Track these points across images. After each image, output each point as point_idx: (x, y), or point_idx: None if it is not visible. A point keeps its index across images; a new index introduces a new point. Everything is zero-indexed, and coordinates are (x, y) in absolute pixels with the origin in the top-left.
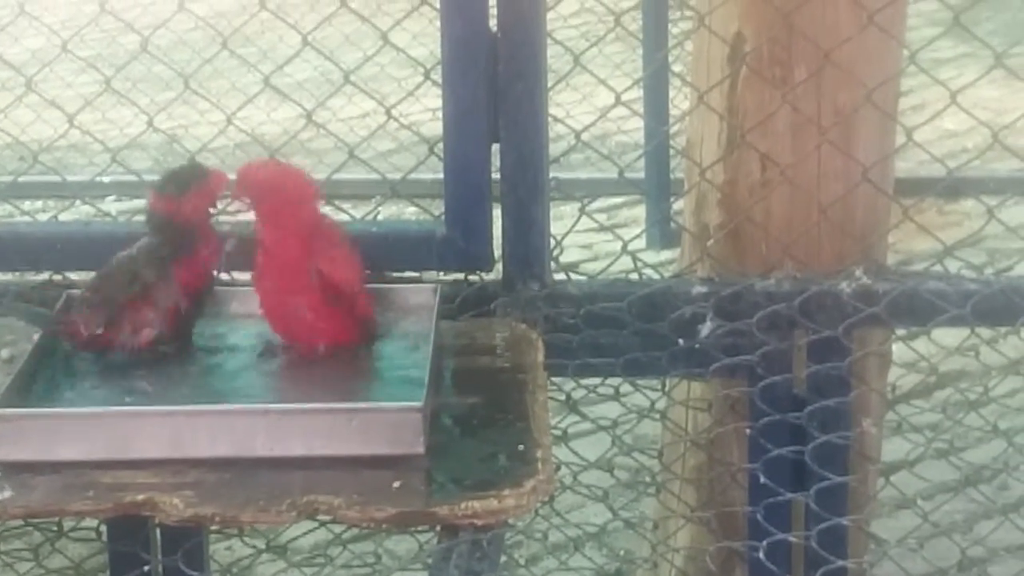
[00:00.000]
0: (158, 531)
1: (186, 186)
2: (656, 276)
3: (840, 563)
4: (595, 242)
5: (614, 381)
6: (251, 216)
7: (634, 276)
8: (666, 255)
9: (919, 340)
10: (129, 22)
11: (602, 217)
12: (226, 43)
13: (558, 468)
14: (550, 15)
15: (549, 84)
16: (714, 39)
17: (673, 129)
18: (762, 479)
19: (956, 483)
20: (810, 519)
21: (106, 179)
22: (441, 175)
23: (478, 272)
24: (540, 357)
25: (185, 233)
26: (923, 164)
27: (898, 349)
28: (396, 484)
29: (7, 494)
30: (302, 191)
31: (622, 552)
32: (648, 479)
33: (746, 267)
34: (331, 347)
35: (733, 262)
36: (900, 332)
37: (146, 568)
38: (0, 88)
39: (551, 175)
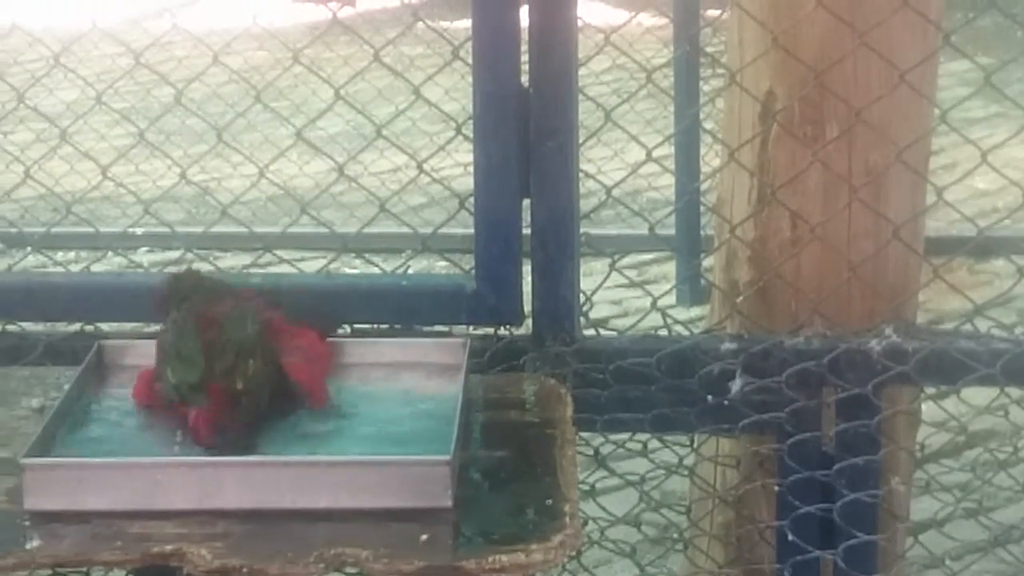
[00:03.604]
0: None
1: None
2: (685, 332)
3: None
4: (625, 298)
5: (642, 437)
6: None
7: (663, 332)
8: (696, 312)
9: (948, 399)
10: (163, 75)
11: (632, 273)
12: (259, 96)
13: (586, 523)
14: (582, 71)
15: (580, 140)
16: (746, 97)
17: (704, 186)
18: (790, 537)
19: (985, 543)
20: None
21: (139, 231)
22: (472, 230)
23: (508, 327)
24: (569, 412)
25: None
26: (954, 223)
27: (927, 408)
28: (424, 537)
29: (35, 543)
30: None
31: None
32: (676, 535)
33: (775, 324)
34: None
35: (762, 319)
36: (929, 391)
37: None
38: (35, 140)
39: (581, 231)
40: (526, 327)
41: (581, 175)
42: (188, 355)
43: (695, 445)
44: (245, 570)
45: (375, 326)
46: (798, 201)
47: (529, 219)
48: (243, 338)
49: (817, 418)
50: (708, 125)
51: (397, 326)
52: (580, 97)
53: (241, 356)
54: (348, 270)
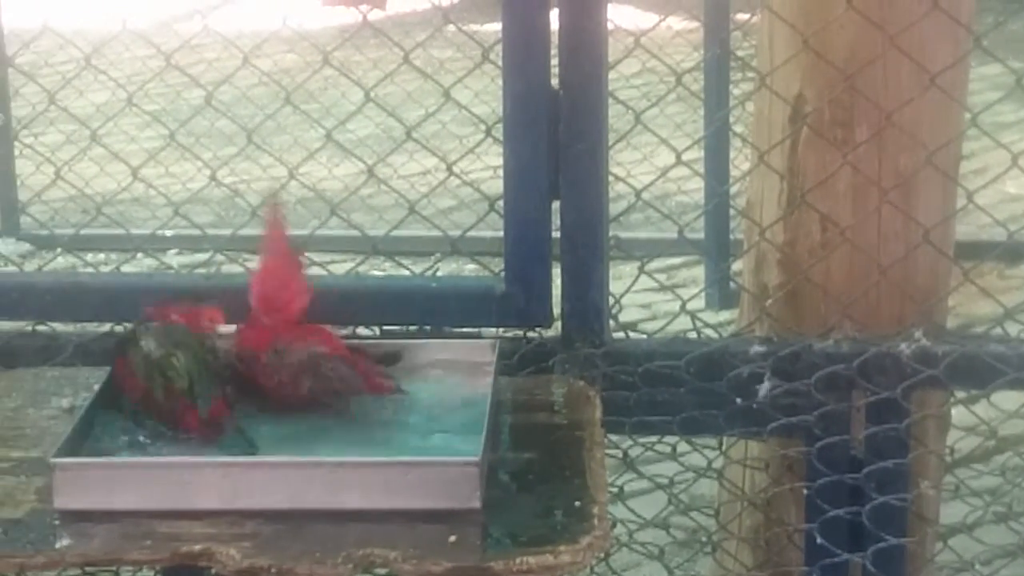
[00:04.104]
0: None
1: None
2: (715, 336)
3: None
4: (654, 301)
5: (671, 439)
6: None
7: (692, 335)
8: (725, 315)
9: (978, 403)
10: (194, 77)
11: (661, 277)
12: (289, 99)
13: (614, 526)
14: (612, 74)
15: (610, 143)
16: (775, 100)
17: (733, 189)
18: (819, 540)
19: (1015, 547)
20: None
21: (168, 233)
22: (501, 232)
23: (537, 329)
24: (598, 414)
25: None
26: (984, 227)
27: (957, 412)
28: (452, 538)
29: (65, 542)
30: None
31: None
32: (704, 538)
33: (805, 328)
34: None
35: (792, 322)
36: (959, 395)
37: None
38: (65, 141)
39: (611, 234)
40: (555, 329)
41: (611, 178)
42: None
43: (724, 448)
44: (273, 570)
45: (404, 328)
46: (828, 204)
47: (559, 222)
48: (158, 359)
49: (846, 422)
50: (738, 128)
51: (426, 328)
52: (610, 100)
53: (165, 369)
54: (377, 272)
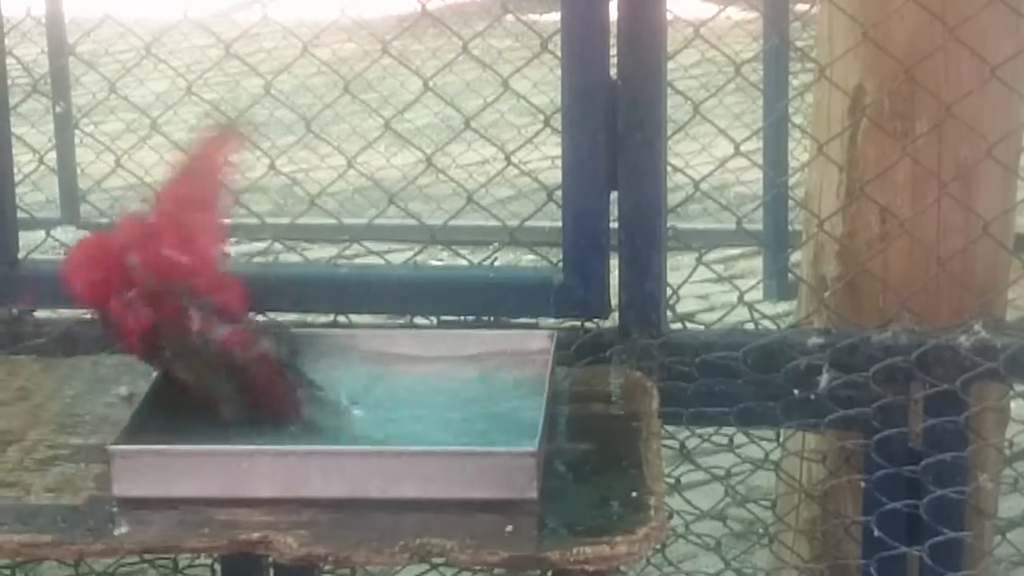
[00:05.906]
0: (272, 570)
1: None
2: (772, 327)
3: None
4: (712, 292)
5: (728, 431)
6: None
7: (750, 326)
8: (783, 307)
9: None
10: (252, 66)
11: (719, 268)
12: (348, 88)
13: (671, 517)
14: (670, 65)
15: (668, 133)
16: (835, 91)
17: (792, 180)
18: (876, 532)
19: None
20: (924, 574)
21: (226, 221)
22: (559, 223)
23: (594, 320)
24: (655, 405)
25: None
26: None
27: (1016, 405)
28: (508, 528)
29: (123, 530)
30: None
31: None
32: (761, 530)
33: (863, 319)
34: None
35: (850, 314)
36: (1019, 388)
37: None
38: (125, 130)
39: (669, 224)
40: (612, 320)
41: (669, 169)
42: None
43: (781, 440)
44: (331, 558)
45: (462, 318)
46: (887, 196)
47: (617, 212)
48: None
49: (904, 414)
50: (797, 119)
51: (484, 318)
52: (668, 90)
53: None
54: (435, 262)
